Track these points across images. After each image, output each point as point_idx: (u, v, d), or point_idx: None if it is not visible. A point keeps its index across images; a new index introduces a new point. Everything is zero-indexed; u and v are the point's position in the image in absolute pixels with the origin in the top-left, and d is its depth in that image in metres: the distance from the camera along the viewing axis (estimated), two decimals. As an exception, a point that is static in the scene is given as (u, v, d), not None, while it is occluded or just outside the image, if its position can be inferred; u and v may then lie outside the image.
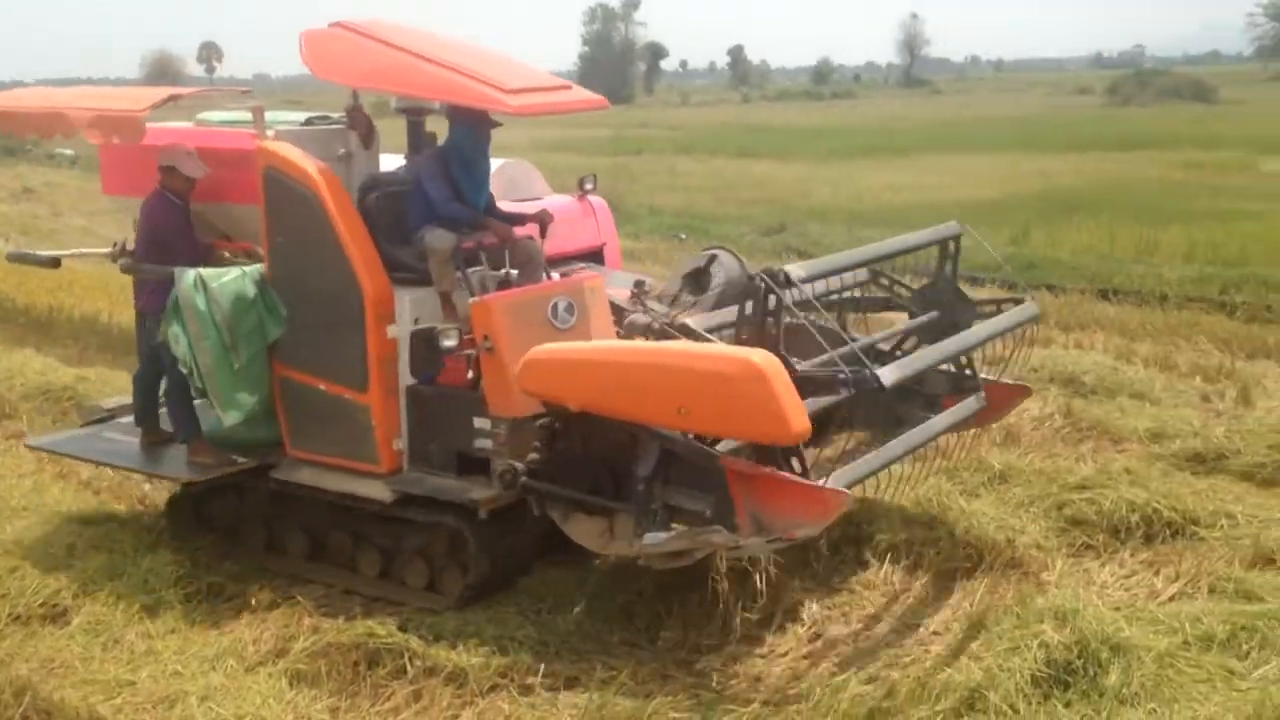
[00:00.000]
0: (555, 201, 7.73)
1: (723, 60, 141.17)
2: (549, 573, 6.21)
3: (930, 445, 6.35)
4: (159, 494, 7.53)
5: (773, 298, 5.40)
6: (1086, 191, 22.02)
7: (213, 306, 6.09)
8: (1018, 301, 6.83)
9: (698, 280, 6.90)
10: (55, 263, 7.99)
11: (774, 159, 32.55)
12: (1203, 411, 8.95)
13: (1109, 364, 10.06)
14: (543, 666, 5.30)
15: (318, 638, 5.46)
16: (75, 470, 7.96)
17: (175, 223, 6.57)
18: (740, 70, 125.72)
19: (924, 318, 6.69)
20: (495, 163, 6.74)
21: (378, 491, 6.16)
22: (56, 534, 6.81)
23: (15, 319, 13.04)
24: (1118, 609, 5.51)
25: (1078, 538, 6.61)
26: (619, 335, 6.10)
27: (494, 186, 6.69)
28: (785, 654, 5.57)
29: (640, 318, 6.07)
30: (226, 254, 6.75)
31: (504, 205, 6.80)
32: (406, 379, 6.10)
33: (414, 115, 6.83)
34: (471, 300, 5.87)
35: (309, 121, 6.78)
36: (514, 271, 6.33)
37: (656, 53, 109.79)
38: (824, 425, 6.16)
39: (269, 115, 6.59)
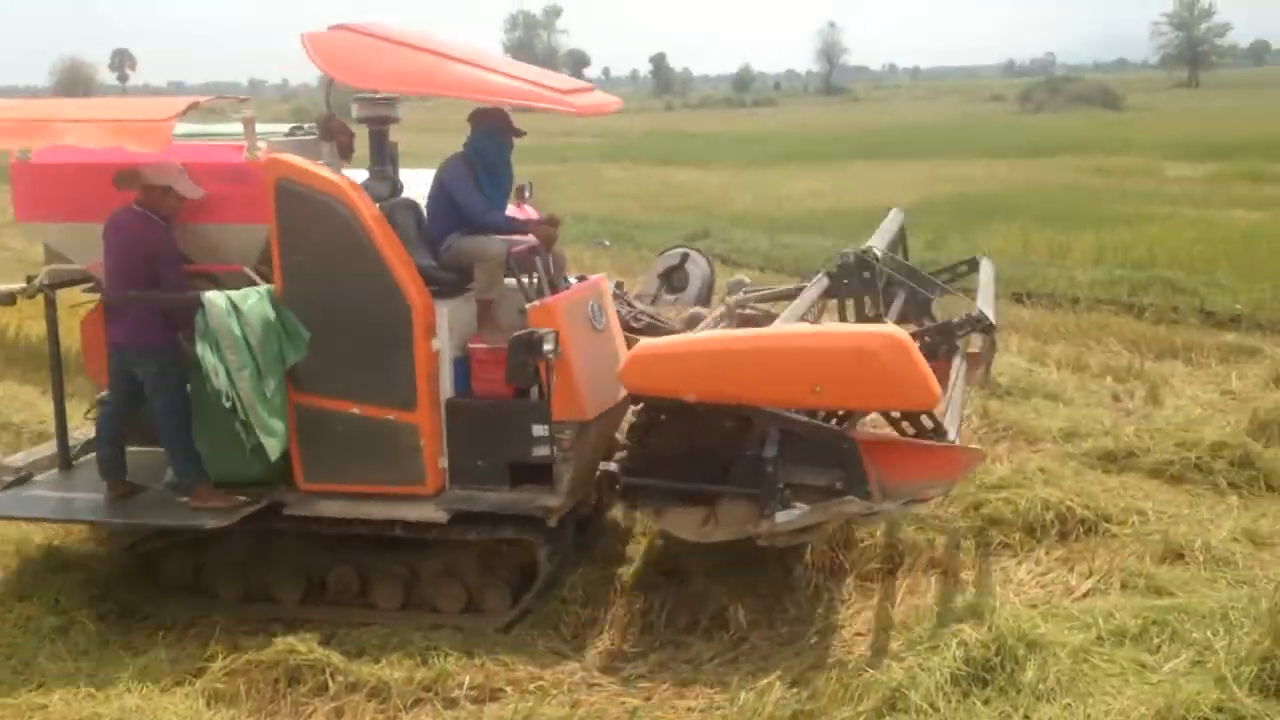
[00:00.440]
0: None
1: (645, 68, 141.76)
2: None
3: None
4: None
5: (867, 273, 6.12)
6: (1001, 196, 22.46)
7: (246, 331, 5.65)
8: (971, 264, 6.97)
9: (672, 279, 6.98)
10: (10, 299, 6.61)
11: (697, 166, 32.74)
12: (1113, 411, 9.17)
13: (1024, 366, 10.27)
14: (468, 679, 5.26)
15: (236, 656, 5.35)
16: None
17: (168, 246, 5.89)
18: (663, 78, 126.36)
19: (902, 295, 7.13)
20: (429, 173, 6.65)
21: (429, 513, 5.88)
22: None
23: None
24: (1034, 606, 5.63)
25: (995, 537, 6.73)
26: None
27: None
28: (711, 659, 5.60)
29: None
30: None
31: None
32: (447, 393, 5.93)
33: (377, 125, 6.47)
34: (531, 305, 5.87)
35: (291, 132, 6.54)
36: (571, 278, 6.46)
37: (579, 60, 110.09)
38: None
39: (223, 128, 6.43)
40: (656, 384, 5.61)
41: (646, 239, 18.39)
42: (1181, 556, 6.32)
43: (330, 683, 5.20)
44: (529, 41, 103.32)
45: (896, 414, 5.65)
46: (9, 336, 12.08)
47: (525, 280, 6.09)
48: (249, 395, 5.64)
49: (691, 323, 7.81)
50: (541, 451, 5.84)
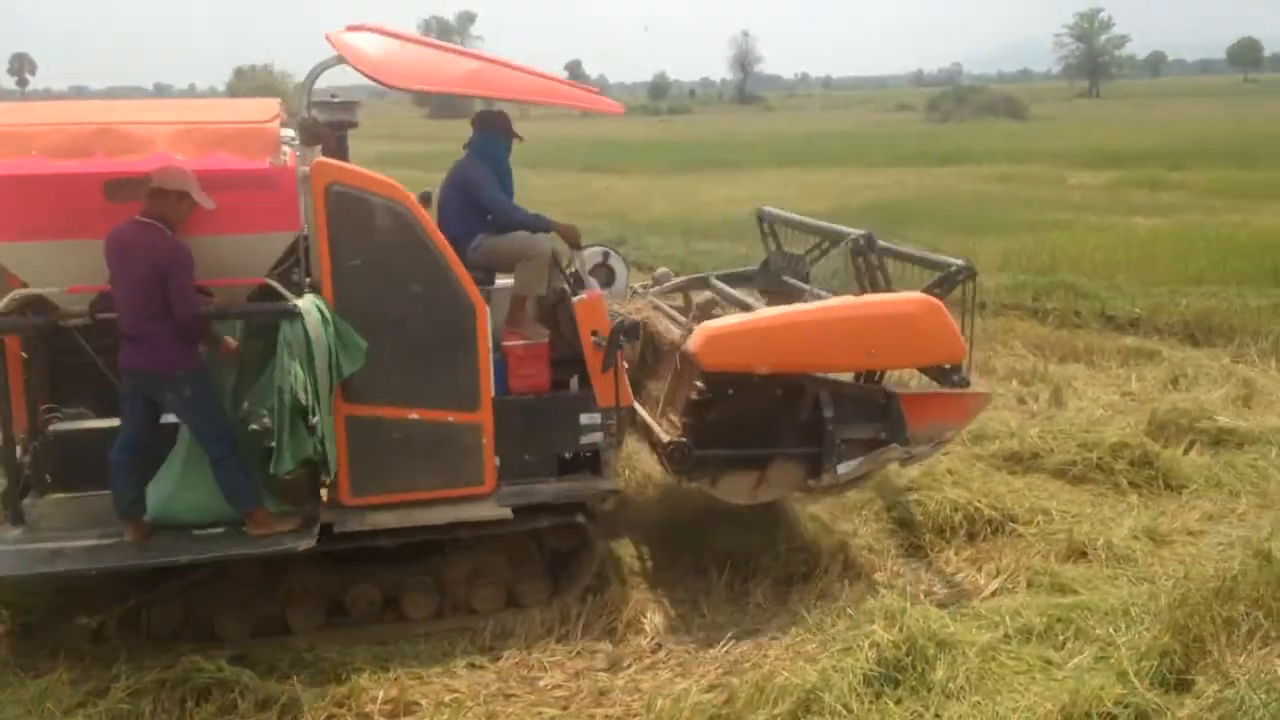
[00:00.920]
0: None
1: (561, 75, 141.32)
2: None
3: None
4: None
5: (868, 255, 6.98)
6: (910, 204, 22.86)
7: (331, 341, 5.44)
8: (834, 239, 7.62)
9: (598, 275, 7.24)
10: None
11: (614, 173, 32.79)
12: (1019, 413, 9.39)
13: (933, 370, 10.44)
14: (381, 693, 5.19)
15: (140, 675, 5.19)
16: None
17: (185, 258, 5.35)
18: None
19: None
20: None
21: (493, 511, 5.89)
22: None
23: None
24: (943, 606, 5.72)
25: (907, 539, 6.85)
26: None
27: None
28: (628, 666, 5.60)
29: None
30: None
31: None
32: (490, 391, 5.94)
33: (337, 129, 6.21)
34: (579, 298, 6.10)
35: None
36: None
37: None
38: None
39: None
40: (733, 360, 6.08)
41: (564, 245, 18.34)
42: (1085, 555, 6.50)
43: (239, 700, 5.08)
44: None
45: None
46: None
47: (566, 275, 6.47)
48: (323, 408, 5.42)
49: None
50: (591, 439, 6.11)
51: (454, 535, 5.95)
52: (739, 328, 6.21)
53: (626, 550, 6.81)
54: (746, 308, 7.05)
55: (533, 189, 28.73)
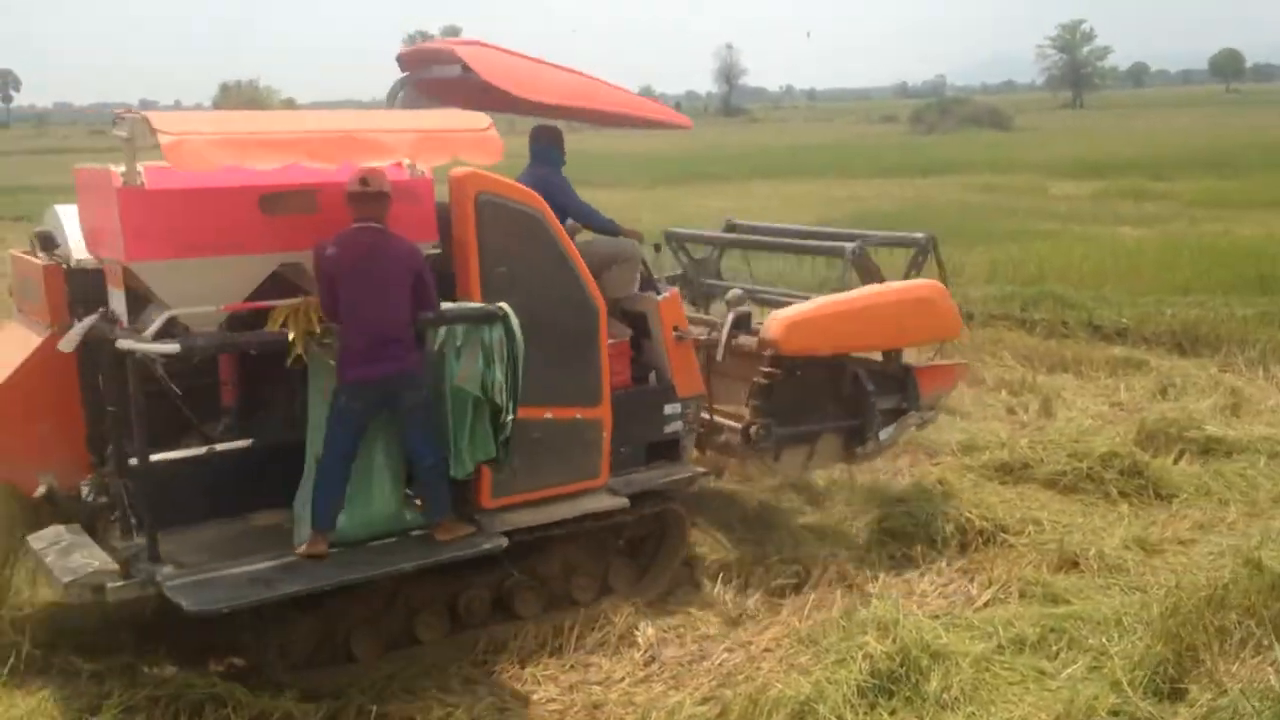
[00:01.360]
0: None
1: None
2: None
3: None
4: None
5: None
6: (895, 215, 22.92)
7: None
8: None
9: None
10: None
11: (604, 187, 32.80)
12: (1009, 424, 9.43)
13: (922, 381, 10.47)
14: (375, 709, 5.17)
15: (134, 691, 5.14)
16: None
17: (424, 260, 5.47)
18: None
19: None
20: None
21: (611, 503, 6.10)
22: None
23: None
24: (936, 617, 5.73)
25: (898, 550, 6.86)
26: None
27: None
28: (621, 679, 5.58)
29: None
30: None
31: None
32: None
33: None
34: (662, 297, 6.59)
35: None
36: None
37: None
38: None
39: None
40: (806, 344, 6.83)
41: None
42: (1076, 565, 6.51)
43: (233, 715, 5.05)
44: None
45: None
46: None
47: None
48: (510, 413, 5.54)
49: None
50: (673, 428, 6.55)
51: (577, 530, 6.06)
52: (811, 314, 6.92)
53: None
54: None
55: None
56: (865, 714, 4.78)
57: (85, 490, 5.57)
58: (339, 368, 5.35)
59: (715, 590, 6.38)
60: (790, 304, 7.28)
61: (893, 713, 4.80)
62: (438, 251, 5.77)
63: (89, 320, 5.44)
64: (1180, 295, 13.58)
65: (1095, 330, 12.54)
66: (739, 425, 6.81)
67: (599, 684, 5.55)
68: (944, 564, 6.73)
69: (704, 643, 5.90)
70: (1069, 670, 5.09)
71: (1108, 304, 13.30)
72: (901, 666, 4.97)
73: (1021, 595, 6.21)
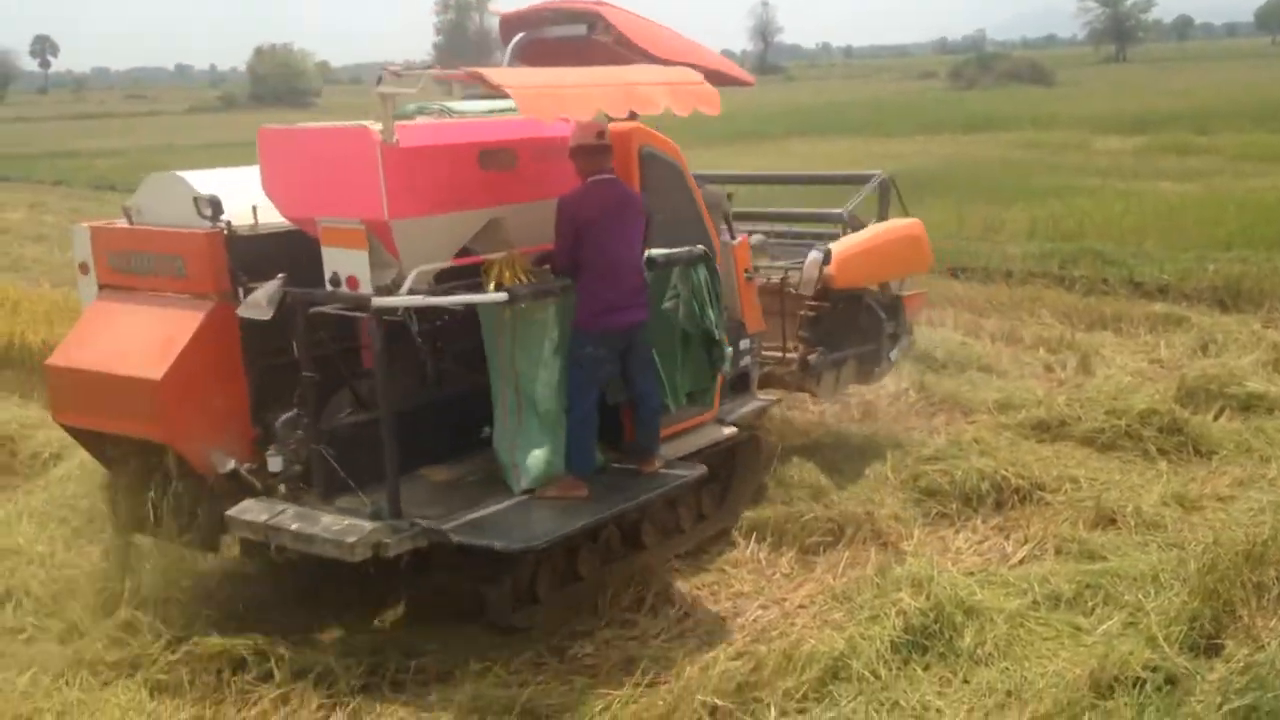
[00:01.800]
0: None
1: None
2: (419, 579, 6.17)
3: None
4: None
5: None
6: (935, 173, 22.68)
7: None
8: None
9: None
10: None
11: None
12: (1046, 381, 9.36)
13: (958, 340, 10.43)
14: (414, 664, 5.25)
15: (175, 645, 5.26)
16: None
17: None
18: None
19: None
20: None
21: (728, 433, 6.60)
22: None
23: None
24: (971, 574, 5.73)
25: (933, 508, 6.85)
26: None
27: None
28: (657, 635, 5.63)
29: None
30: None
31: None
32: None
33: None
34: (737, 240, 6.95)
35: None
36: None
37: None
38: None
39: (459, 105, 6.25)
40: (854, 277, 7.59)
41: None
42: (1113, 522, 6.47)
43: (275, 670, 5.14)
44: (462, 23, 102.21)
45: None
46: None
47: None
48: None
49: None
50: (745, 362, 6.99)
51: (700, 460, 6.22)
52: (856, 251, 7.63)
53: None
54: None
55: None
56: (899, 670, 4.80)
57: (276, 461, 5.49)
58: (588, 317, 5.53)
59: (749, 548, 6.41)
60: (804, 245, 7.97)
61: (926, 668, 4.82)
62: None
63: (270, 286, 5.34)
64: (1223, 250, 13.40)
65: (1135, 287, 12.42)
66: (794, 355, 7.51)
67: (634, 639, 5.60)
68: (979, 521, 6.72)
69: (737, 600, 5.94)
70: (1104, 626, 5.08)
71: (1149, 260, 13.16)
72: (935, 623, 4.99)
73: (1057, 552, 6.19)
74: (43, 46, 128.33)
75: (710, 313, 5.94)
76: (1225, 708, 4.31)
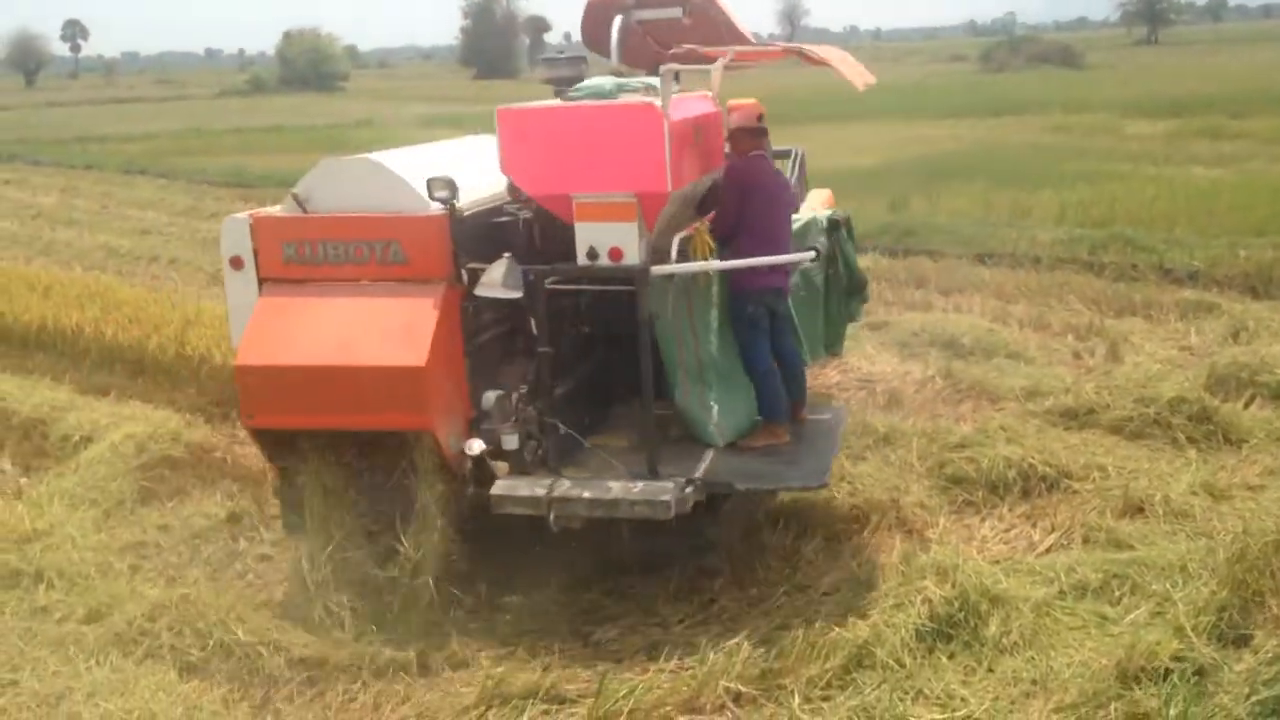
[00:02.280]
0: None
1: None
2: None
3: None
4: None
5: None
6: (963, 157, 22.54)
7: None
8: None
9: None
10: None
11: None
12: (1074, 369, 9.29)
13: (986, 326, 10.36)
14: (437, 650, 5.28)
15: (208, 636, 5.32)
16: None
17: None
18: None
19: None
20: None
21: None
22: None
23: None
24: (997, 562, 5.71)
25: (959, 495, 6.82)
26: None
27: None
28: (680, 621, 5.65)
29: None
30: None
31: None
32: None
33: (563, 85, 6.50)
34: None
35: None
36: None
37: (539, 26, 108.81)
38: None
39: (594, 82, 6.26)
40: None
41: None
42: (1141, 510, 6.42)
43: (302, 654, 5.19)
44: (488, 7, 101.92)
45: None
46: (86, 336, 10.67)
47: None
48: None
49: None
50: None
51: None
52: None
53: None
54: None
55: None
56: (923, 658, 4.79)
57: (511, 439, 5.61)
58: (751, 278, 6.03)
59: (775, 534, 6.40)
60: None
61: (951, 657, 4.80)
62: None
63: (504, 265, 5.48)
64: (1255, 236, 13.22)
65: (1166, 273, 12.28)
66: None
67: (658, 625, 5.61)
68: (1005, 510, 6.68)
69: (762, 586, 5.93)
70: (1131, 616, 5.05)
71: (1179, 246, 13.00)
72: (960, 611, 4.97)
73: (1084, 541, 6.15)
74: (73, 31, 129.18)
75: (852, 269, 6.81)
76: (1253, 699, 4.27)
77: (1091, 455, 7.19)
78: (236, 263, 5.78)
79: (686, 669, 5.06)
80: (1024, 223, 15.35)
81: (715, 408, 6.05)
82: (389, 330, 5.39)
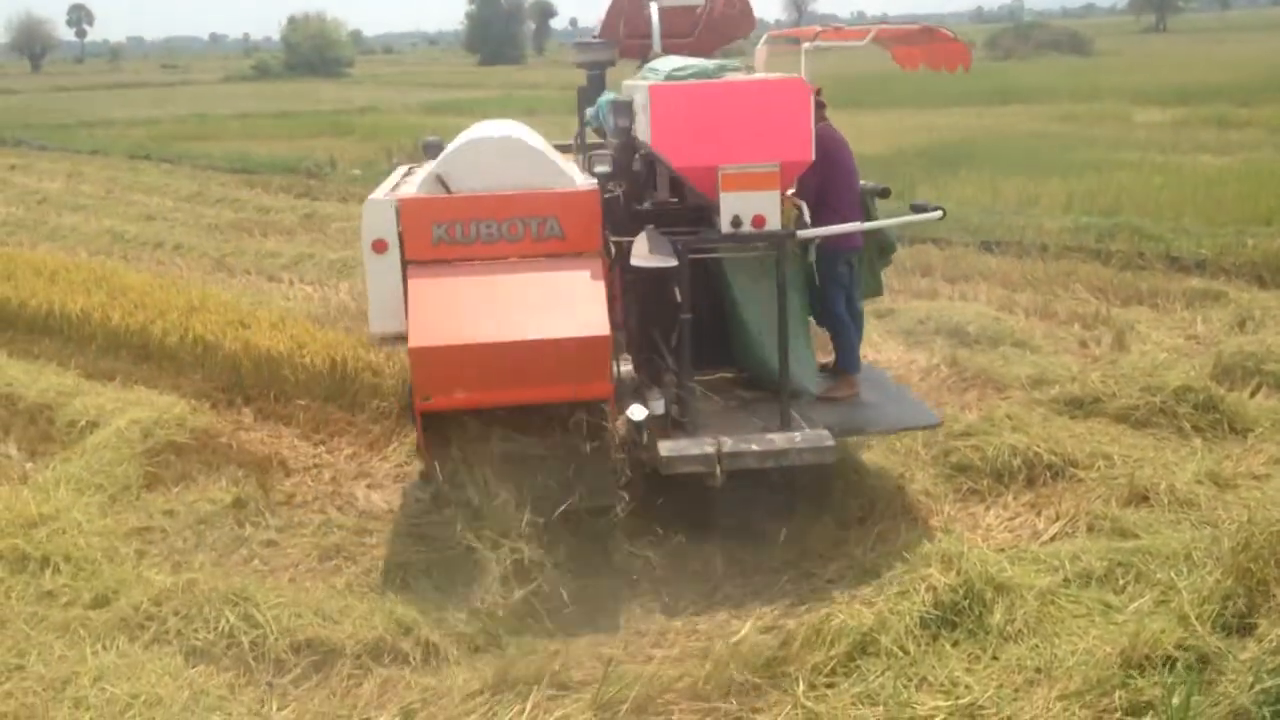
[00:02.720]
0: None
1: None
2: (446, 553, 6.24)
3: None
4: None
5: None
6: (969, 145, 22.45)
7: None
8: None
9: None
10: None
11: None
12: (1080, 357, 9.27)
13: (992, 314, 10.34)
14: (443, 635, 5.28)
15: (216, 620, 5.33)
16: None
17: None
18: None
19: None
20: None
21: None
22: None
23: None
24: (1002, 550, 5.70)
25: (964, 483, 6.81)
26: None
27: None
28: (685, 610, 5.66)
29: None
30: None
31: None
32: None
33: (596, 69, 6.78)
34: None
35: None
36: None
37: (545, 11, 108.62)
38: None
39: (662, 64, 6.44)
40: None
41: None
42: (1146, 499, 6.42)
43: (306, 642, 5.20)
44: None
45: None
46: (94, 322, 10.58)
47: None
48: None
49: None
50: None
51: None
52: None
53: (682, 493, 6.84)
54: None
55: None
56: (928, 645, 4.79)
57: (659, 404, 5.87)
58: (845, 241, 6.48)
59: (778, 522, 6.40)
60: None
61: (955, 644, 4.81)
62: None
63: (649, 236, 5.76)
64: (1262, 225, 13.16)
65: (1173, 262, 12.23)
66: None
67: (664, 613, 5.62)
68: (1010, 498, 6.68)
69: (767, 573, 5.94)
70: (1136, 604, 5.05)
71: (1186, 235, 12.95)
72: (965, 599, 4.96)
73: (1089, 529, 6.15)
74: (79, 16, 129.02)
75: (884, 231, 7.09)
76: (1257, 687, 4.26)
77: (1097, 444, 7.17)
78: (379, 246, 5.81)
79: (691, 656, 5.07)
80: (1031, 211, 15.30)
81: (803, 365, 6.48)
82: (560, 303, 5.60)
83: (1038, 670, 4.63)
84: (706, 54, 7.47)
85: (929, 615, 4.90)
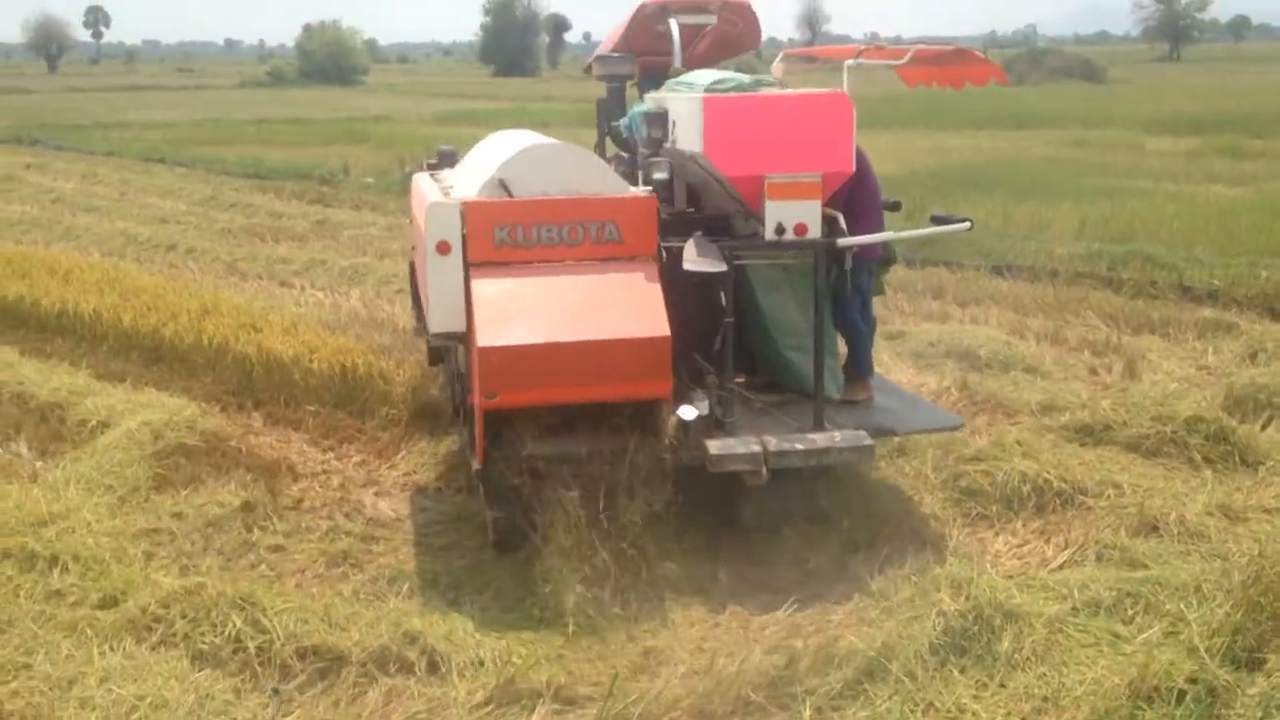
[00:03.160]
0: None
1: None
2: (454, 562, 6.24)
3: None
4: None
5: None
6: (981, 169, 22.48)
7: None
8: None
9: None
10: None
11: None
12: (1091, 384, 9.25)
13: (1002, 339, 10.32)
14: (445, 647, 5.26)
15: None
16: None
17: None
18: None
19: None
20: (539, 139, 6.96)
21: None
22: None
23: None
24: (1010, 577, 5.69)
25: (973, 509, 6.79)
26: None
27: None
28: (691, 628, 5.64)
29: None
30: None
31: None
32: None
33: (615, 82, 6.97)
34: None
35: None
36: None
37: (559, 24, 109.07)
38: None
39: (697, 78, 6.58)
40: None
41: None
42: (1156, 529, 6.39)
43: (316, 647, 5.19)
44: (509, 5, 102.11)
45: None
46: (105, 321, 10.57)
47: None
48: None
49: None
50: None
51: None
52: None
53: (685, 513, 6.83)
54: None
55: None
56: (936, 671, 4.77)
57: (704, 404, 6.05)
58: (871, 251, 6.73)
59: (785, 542, 6.39)
60: None
61: (963, 670, 4.79)
62: None
63: (697, 241, 6.02)
64: (1275, 257, 13.12)
65: (1185, 291, 12.20)
66: None
67: (668, 630, 5.61)
68: (1019, 525, 6.66)
69: (774, 594, 5.92)
70: (1144, 635, 5.02)
71: (1199, 264, 12.91)
72: (974, 625, 4.94)
73: (1098, 558, 6.13)
74: (95, 17, 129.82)
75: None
76: (1266, 722, 4.26)
77: (1107, 472, 7.15)
78: (443, 247, 5.89)
79: (695, 676, 5.06)
80: (1042, 236, 15.30)
81: (834, 365, 6.77)
82: (621, 304, 5.79)
83: (1045, 699, 4.61)
84: (714, 67, 7.56)
85: (938, 641, 4.86)
